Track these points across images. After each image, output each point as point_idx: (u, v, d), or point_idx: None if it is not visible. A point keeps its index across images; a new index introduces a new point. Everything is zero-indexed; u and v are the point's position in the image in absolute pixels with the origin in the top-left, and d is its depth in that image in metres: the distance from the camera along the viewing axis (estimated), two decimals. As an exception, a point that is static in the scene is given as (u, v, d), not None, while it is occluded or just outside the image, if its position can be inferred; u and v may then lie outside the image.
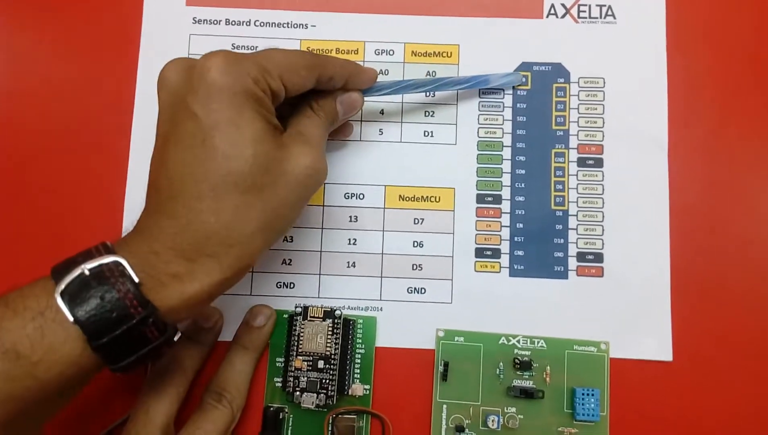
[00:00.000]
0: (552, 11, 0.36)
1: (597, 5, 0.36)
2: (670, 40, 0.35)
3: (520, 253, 0.34)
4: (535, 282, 0.34)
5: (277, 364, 0.33)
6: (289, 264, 0.34)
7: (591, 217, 0.34)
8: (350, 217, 0.35)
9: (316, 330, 0.31)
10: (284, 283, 0.34)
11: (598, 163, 0.35)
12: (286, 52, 0.27)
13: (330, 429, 0.32)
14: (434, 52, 0.36)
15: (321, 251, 0.34)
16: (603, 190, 0.35)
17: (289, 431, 0.32)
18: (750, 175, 0.35)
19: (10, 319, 0.22)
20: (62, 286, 0.22)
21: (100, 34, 0.36)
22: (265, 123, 0.25)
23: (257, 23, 0.36)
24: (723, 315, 0.33)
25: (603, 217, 0.34)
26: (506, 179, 0.35)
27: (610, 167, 0.35)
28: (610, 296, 0.34)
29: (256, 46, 0.36)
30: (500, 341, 0.33)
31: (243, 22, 0.36)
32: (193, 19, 0.36)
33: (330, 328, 0.31)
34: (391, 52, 0.36)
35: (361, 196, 0.35)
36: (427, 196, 0.35)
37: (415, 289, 0.34)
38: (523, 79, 0.34)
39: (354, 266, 0.34)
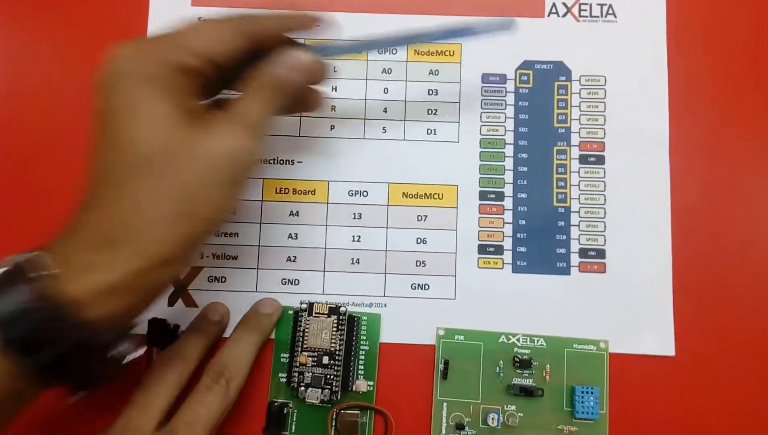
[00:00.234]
0: (553, 10, 0.36)
1: (598, 4, 0.36)
2: (670, 39, 0.36)
3: (523, 249, 0.35)
4: (538, 278, 0.34)
5: (282, 360, 0.33)
6: (293, 261, 0.35)
7: (593, 214, 0.35)
8: (354, 214, 0.35)
9: (321, 326, 0.31)
10: (289, 279, 0.34)
11: (600, 160, 0.35)
12: (208, 21, 0.26)
13: (334, 424, 0.32)
14: (437, 51, 0.36)
15: (325, 248, 0.35)
16: (605, 186, 0.35)
17: (293, 426, 0.32)
18: (751, 172, 0.35)
19: None
20: None
21: (106, 34, 0.36)
22: (172, 104, 0.24)
23: (261, 23, 0.37)
24: (724, 310, 0.34)
25: (605, 213, 0.35)
26: (509, 176, 0.35)
27: (611, 164, 0.35)
28: (612, 292, 0.34)
29: (261, 46, 0.36)
30: (500, 340, 0.33)
31: (247, 21, 0.37)
32: (199, 19, 0.37)
33: (335, 325, 0.32)
34: (394, 52, 0.36)
35: (365, 194, 0.35)
36: (430, 194, 0.35)
37: (418, 285, 0.34)
38: (514, 21, 0.30)
39: (358, 263, 0.34)
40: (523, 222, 0.35)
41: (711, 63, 0.36)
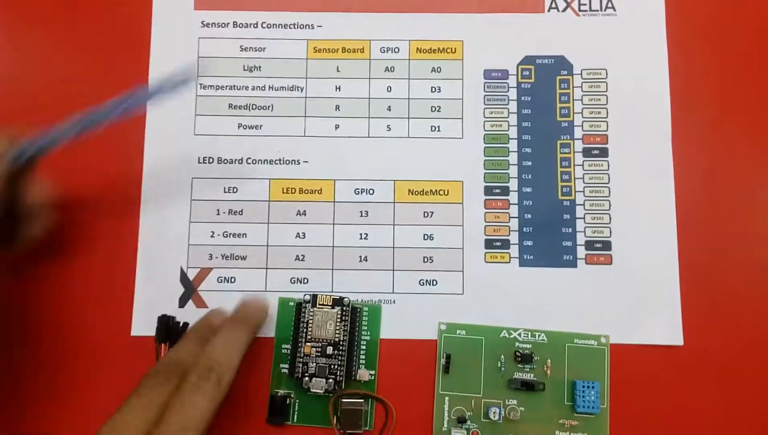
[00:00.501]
0: (553, 5, 0.37)
1: (597, -2, 0.37)
2: (670, 30, 0.36)
3: (529, 243, 0.35)
4: (545, 271, 0.34)
5: (284, 351, 0.33)
6: (302, 259, 0.35)
7: (598, 206, 0.35)
8: (361, 212, 0.35)
9: (325, 317, 0.32)
10: (298, 278, 0.35)
11: (604, 152, 0.35)
12: None
13: (336, 413, 0.33)
14: (439, 49, 0.37)
15: (333, 246, 0.35)
16: (609, 179, 0.35)
17: (296, 416, 0.33)
18: (754, 160, 0.35)
19: None
20: None
21: (110, 39, 0.37)
22: None
23: (264, 25, 0.37)
24: (731, 299, 0.34)
25: (610, 205, 0.35)
26: (513, 171, 0.35)
27: (615, 156, 0.35)
28: (619, 282, 0.34)
29: (264, 48, 0.37)
30: (501, 335, 0.33)
31: (250, 24, 0.37)
32: (202, 22, 0.37)
33: (339, 316, 0.32)
34: (397, 50, 0.37)
35: (371, 192, 0.35)
36: (436, 190, 0.35)
37: (426, 281, 0.35)
38: (193, 74, 0.29)
39: (366, 260, 0.35)
40: (529, 216, 0.35)
41: (711, 54, 0.36)
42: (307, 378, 0.31)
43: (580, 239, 0.35)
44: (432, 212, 0.35)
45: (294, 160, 0.36)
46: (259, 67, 0.37)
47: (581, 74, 0.36)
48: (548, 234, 0.35)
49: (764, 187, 0.35)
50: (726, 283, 0.34)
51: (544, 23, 0.37)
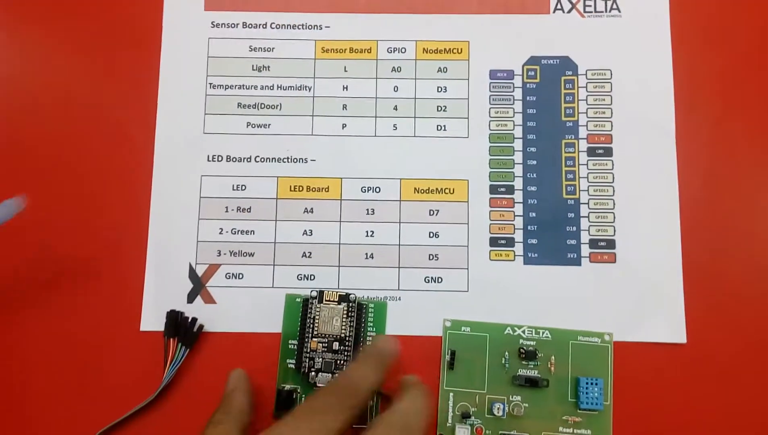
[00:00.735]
0: (558, 6, 0.37)
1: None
2: (674, 32, 0.36)
3: (534, 241, 0.35)
4: (549, 269, 0.35)
5: (290, 347, 0.34)
6: (309, 256, 0.35)
7: (602, 205, 0.35)
8: (367, 210, 0.36)
9: (332, 313, 0.32)
10: (305, 274, 0.35)
11: (608, 152, 0.36)
12: None
13: None
14: (445, 49, 0.37)
15: (339, 244, 0.35)
16: (613, 178, 0.35)
17: None
18: (758, 160, 0.35)
19: None
20: None
21: (121, 40, 0.37)
22: None
23: (273, 26, 0.37)
24: (735, 298, 0.34)
25: (614, 204, 0.35)
26: (518, 170, 0.36)
27: (619, 156, 0.36)
28: (623, 280, 0.34)
29: (273, 48, 0.37)
30: (506, 332, 0.34)
31: (260, 24, 0.38)
32: (212, 23, 0.38)
33: (345, 312, 0.32)
34: (403, 50, 0.37)
35: (378, 190, 0.36)
36: (442, 188, 0.36)
37: (432, 278, 0.35)
38: (22, 204, 0.30)
39: (372, 257, 0.35)
40: (534, 214, 0.35)
41: (714, 55, 0.36)
42: (313, 373, 0.32)
43: (584, 238, 0.35)
44: (437, 210, 0.36)
45: (302, 159, 0.36)
46: (268, 66, 0.37)
47: (586, 75, 0.36)
48: (553, 232, 0.35)
49: (767, 187, 0.35)
50: (729, 281, 0.34)
51: (549, 24, 0.37)
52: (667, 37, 0.36)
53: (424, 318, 0.34)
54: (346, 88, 0.37)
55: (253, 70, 0.37)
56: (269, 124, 0.37)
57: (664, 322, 0.34)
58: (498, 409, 0.32)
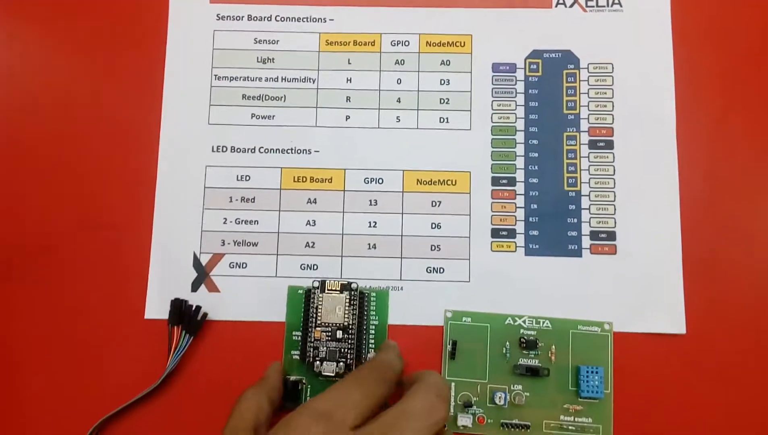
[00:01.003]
0: (561, 1, 0.37)
1: (604, -6, 0.38)
2: (675, 26, 0.37)
3: (535, 232, 0.35)
4: (550, 260, 0.35)
5: (294, 338, 0.34)
6: (312, 246, 0.36)
7: (603, 197, 0.36)
8: (370, 201, 0.36)
9: (334, 302, 0.33)
10: (308, 264, 0.35)
11: (609, 145, 0.36)
12: None
13: None
14: (448, 42, 0.37)
15: (342, 234, 0.36)
16: (614, 170, 0.36)
17: (307, 400, 0.33)
18: (757, 153, 0.36)
19: None
20: None
21: (128, 33, 0.38)
22: None
23: (278, 18, 0.38)
24: (734, 289, 0.34)
25: (615, 196, 0.36)
26: (520, 162, 0.36)
27: (620, 149, 0.36)
28: (623, 272, 0.35)
29: (277, 40, 0.38)
30: (506, 322, 0.34)
31: (264, 17, 0.38)
32: (217, 15, 0.38)
33: (347, 300, 0.33)
34: (407, 43, 0.37)
35: (381, 181, 0.36)
36: (444, 180, 0.36)
37: (434, 268, 0.35)
38: None
39: (375, 248, 0.35)
40: (535, 206, 0.36)
41: (715, 49, 0.37)
42: (318, 362, 0.32)
43: (585, 229, 0.35)
44: (440, 202, 0.36)
45: (305, 150, 0.37)
46: (273, 59, 0.38)
47: (588, 68, 0.37)
48: (554, 224, 0.35)
49: (766, 181, 0.35)
50: (728, 273, 0.35)
51: (551, 18, 0.37)
52: (668, 32, 0.37)
53: (426, 308, 0.35)
54: (350, 80, 0.37)
55: (257, 62, 0.38)
56: (273, 116, 0.37)
57: (664, 313, 0.34)
58: (499, 398, 0.33)
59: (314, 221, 0.36)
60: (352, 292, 0.33)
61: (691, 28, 0.37)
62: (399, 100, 0.37)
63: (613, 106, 0.36)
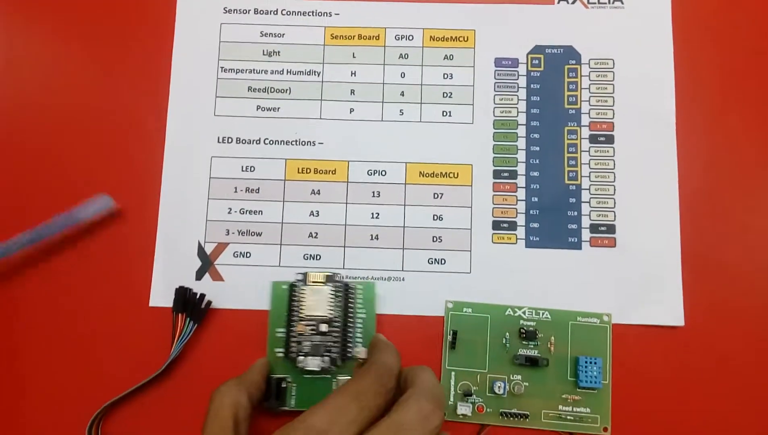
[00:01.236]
0: (563, -3, 0.38)
1: (606, -9, 0.38)
2: (675, 23, 0.37)
3: (536, 225, 0.36)
4: (550, 253, 0.36)
5: (278, 335, 0.33)
6: (315, 237, 0.36)
7: (603, 191, 0.36)
8: (373, 192, 0.36)
9: (317, 295, 0.32)
10: (311, 254, 0.36)
11: (609, 139, 0.37)
12: None
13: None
14: (451, 37, 0.38)
15: (346, 225, 0.36)
16: (614, 165, 0.36)
17: (293, 400, 0.33)
18: (755, 148, 0.36)
19: None
20: None
21: (136, 25, 0.38)
22: None
23: (284, 12, 0.38)
24: (733, 283, 0.35)
25: (614, 190, 0.36)
26: (521, 156, 0.37)
27: (620, 143, 0.36)
28: (622, 265, 0.35)
29: (283, 34, 0.38)
30: (506, 312, 0.34)
31: (270, 11, 0.38)
32: (224, 9, 0.39)
33: (332, 292, 0.32)
34: (411, 38, 0.38)
35: (383, 173, 0.37)
36: (446, 173, 0.37)
37: (435, 260, 0.36)
38: (111, 204, 0.35)
39: (377, 239, 0.36)
40: (536, 199, 0.36)
41: (715, 46, 0.37)
42: (302, 357, 0.31)
43: (585, 222, 0.36)
44: (442, 194, 0.36)
45: (310, 142, 0.37)
46: (278, 52, 0.38)
47: (589, 64, 0.37)
48: (554, 217, 0.36)
49: (765, 175, 0.36)
50: (726, 266, 0.35)
51: (554, 14, 0.38)
52: (668, 29, 0.37)
53: (427, 298, 0.35)
54: (354, 73, 0.38)
55: (263, 54, 0.38)
56: (279, 108, 0.37)
57: (663, 305, 0.34)
58: (499, 387, 0.33)
59: (318, 212, 0.36)
60: (336, 284, 0.32)
61: (692, 26, 0.37)
62: (402, 94, 0.37)
63: (613, 101, 0.37)
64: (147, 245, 0.36)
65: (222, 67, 0.38)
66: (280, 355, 0.33)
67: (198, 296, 0.35)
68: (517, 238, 0.36)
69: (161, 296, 0.35)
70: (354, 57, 0.38)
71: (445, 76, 0.37)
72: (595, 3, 0.38)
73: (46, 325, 0.35)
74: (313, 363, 0.31)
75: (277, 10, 0.38)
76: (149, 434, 0.34)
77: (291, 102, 0.37)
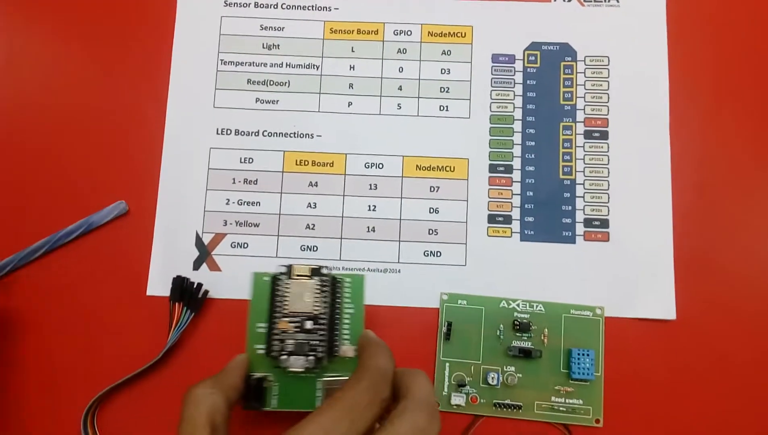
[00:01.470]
0: (560, -5, 0.39)
1: (602, -11, 0.39)
2: (670, 22, 0.38)
3: (530, 219, 0.36)
4: (545, 246, 0.36)
5: (259, 330, 0.30)
6: (312, 228, 0.36)
7: (597, 186, 0.36)
8: (370, 185, 0.37)
9: (302, 288, 0.29)
10: (308, 246, 0.36)
11: (604, 135, 0.37)
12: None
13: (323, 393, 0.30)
14: (449, 33, 0.38)
15: (342, 217, 0.36)
16: (608, 160, 0.37)
17: (275, 400, 0.29)
18: (747, 144, 0.37)
19: None
20: None
21: (137, 17, 0.39)
22: None
23: (284, 6, 0.39)
24: (724, 277, 0.35)
25: (608, 185, 0.36)
26: (517, 150, 0.37)
27: (614, 139, 0.37)
28: (615, 259, 0.35)
29: (283, 27, 0.39)
30: (501, 305, 0.35)
31: (271, 5, 0.39)
32: (224, 2, 0.39)
33: (318, 287, 0.29)
34: (409, 33, 0.38)
35: (381, 166, 0.37)
36: (443, 166, 0.37)
37: (431, 252, 0.36)
38: (124, 208, 0.35)
39: (374, 231, 0.36)
40: (531, 193, 0.37)
41: (708, 45, 0.38)
42: (285, 356, 0.28)
43: (579, 217, 0.36)
44: (438, 187, 0.37)
45: (308, 134, 0.37)
46: (278, 45, 0.38)
47: (584, 61, 0.38)
48: (549, 211, 0.36)
49: (756, 172, 0.36)
50: (718, 261, 0.35)
51: (550, 12, 0.38)
52: (663, 27, 0.38)
53: (423, 290, 0.35)
54: (353, 67, 0.38)
55: (263, 48, 0.38)
56: (277, 101, 0.38)
57: (655, 299, 0.35)
58: (492, 378, 0.34)
59: (315, 204, 0.37)
60: (323, 277, 0.29)
61: (686, 24, 0.38)
62: (400, 88, 0.38)
63: (608, 97, 0.37)
64: (145, 235, 0.36)
65: (222, 60, 0.38)
66: (261, 352, 0.29)
67: (195, 286, 0.35)
68: (512, 232, 0.36)
69: (159, 285, 0.35)
70: (353, 51, 0.38)
71: (443, 71, 0.38)
72: (591, 1, 0.38)
73: (44, 314, 0.35)
74: (297, 363, 0.28)
75: (277, 4, 0.39)
76: (146, 421, 0.34)
77: (290, 95, 0.38)
